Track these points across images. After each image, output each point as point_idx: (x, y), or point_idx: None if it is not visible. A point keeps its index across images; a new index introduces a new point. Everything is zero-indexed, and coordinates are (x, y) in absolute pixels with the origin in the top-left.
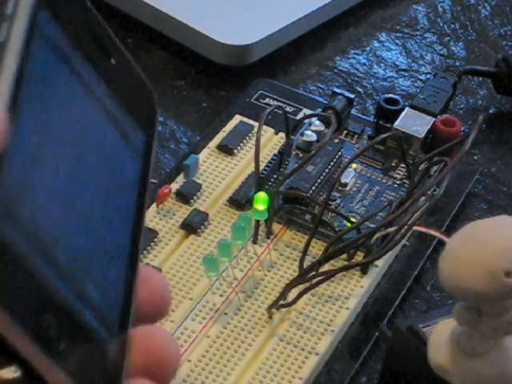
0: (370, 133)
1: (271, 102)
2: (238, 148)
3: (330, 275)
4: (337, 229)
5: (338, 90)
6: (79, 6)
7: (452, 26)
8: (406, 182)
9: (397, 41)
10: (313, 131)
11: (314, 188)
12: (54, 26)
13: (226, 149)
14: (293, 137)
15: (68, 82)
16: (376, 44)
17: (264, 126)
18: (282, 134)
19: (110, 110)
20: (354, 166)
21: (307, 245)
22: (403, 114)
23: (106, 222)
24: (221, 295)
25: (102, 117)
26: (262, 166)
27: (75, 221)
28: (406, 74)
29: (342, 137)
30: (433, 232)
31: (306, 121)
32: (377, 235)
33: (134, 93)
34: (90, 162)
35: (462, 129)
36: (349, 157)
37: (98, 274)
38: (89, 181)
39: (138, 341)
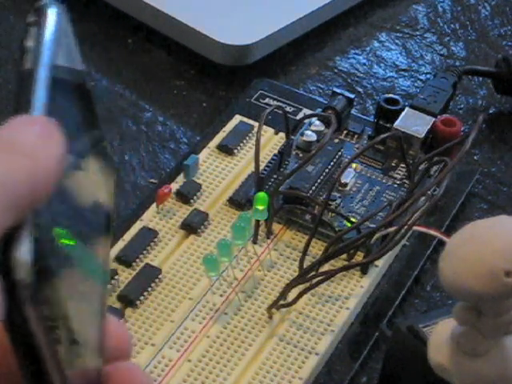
0: (370, 133)
1: (271, 101)
2: (238, 148)
3: (330, 275)
4: (337, 229)
5: (338, 90)
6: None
7: (452, 26)
8: (406, 182)
9: (397, 41)
10: (313, 131)
11: (314, 188)
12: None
13: (226, 149)
14: (293, 137)
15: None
16: (376, 44)
17: (264, 126)
18: (282, 134)
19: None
20: (353, 166)
21: (307, 245)
22: (403, 114)
23: None
24: (221, 295)
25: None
26: (262, 165)
27: None
28: (406, 73)
29: (342, 137)
30: (433, 232)
31: (306, 121)
32: (377, 235)
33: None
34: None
35: (462, 129)
36: (349, 157)
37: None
38: None
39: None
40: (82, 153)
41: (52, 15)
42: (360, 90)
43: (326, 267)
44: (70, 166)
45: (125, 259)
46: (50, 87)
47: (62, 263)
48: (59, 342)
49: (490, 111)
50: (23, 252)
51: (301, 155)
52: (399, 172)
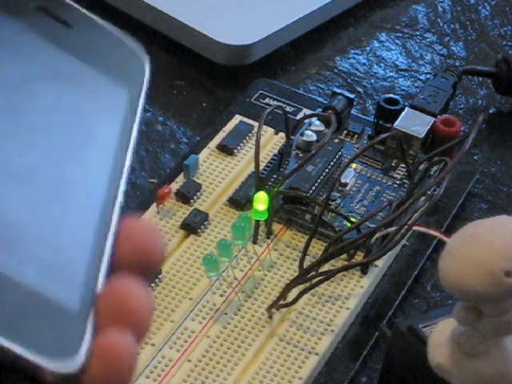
0: (369, 133)
1: (271, 101)
2: (238, 148)
3: (330, 275)
4: (337, 229)
5: (338, 90)
6: None
7: (452, 26)
8: (406, 181)
9: (397, 41)
10: (313, 131)
11: (314, 188)
12: None
13: (225, 149)
14: (293, 137)
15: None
16: (376, 44)
17: (264, 126)
18: (282, 134)
19: (71, 74)
20: (353, 166)
21: (307, 245)
22: (403, 114)
23: (70, 177)
24: (221, 295)
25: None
26: (262, 165)
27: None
28: (406, 73)
29: (341, 137)
30: (433, 232)
31: (306, 121)
32: (377, 235)
33: (110, 53)
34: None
35: (462, 129)
36: (349, 157)
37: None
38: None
39: (122, 231)
40: None
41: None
42: (360, 90)
43: (326, 267)
44: None
45: None
46: None
47: None
48: None
49: (490, 111)
50: None
51: (301, 155)
52: (399, 172)
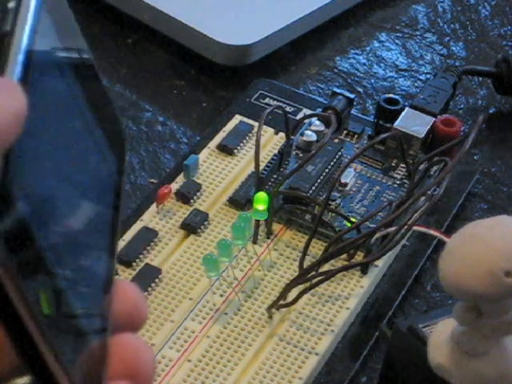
0: (369, 133)
1: (271, 101)
2: (238, 148)
3: (330, 275)
4: (337, 229)
5: (338, 90)
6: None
7: (452, 26)
8: (406, 181)
9: (397, 41)
10: (313, 131)
11: (314, 188)
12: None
13: (226, 149)
14: (293, 137)
15: (61, 86)
16: (376, 44)
17: (264, 126)
18: (282, 134)
19: (91, 126)
20: (353, 166)
21: (307, 245)
22: (403, 114)
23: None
24: (221, 295)
25: (85, 129)
26: (262, 165)
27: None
28: (406, 73)
29: (341, 137)
30: (433, 232)
31: (306, 121)
32: (377, 235)
33: (107, 120)
34: (69, 162)
35: (462, 129)
36: (349, 157)
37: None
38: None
39: (112, 349)
40: (88, 126)
41: None
42: (360, 90)
43: (326, 267)
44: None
45: (125, 259)
46: (34, 57)
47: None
48: (41, 310)
49: (490, 111)
50: None
51: (301, 155)
52: (399, 172)
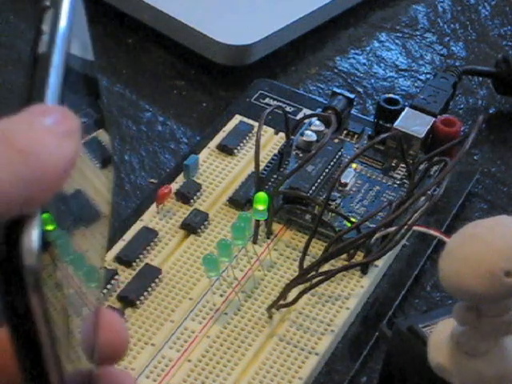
0: (370, 133)
1: (271, 101)
2: (238, 148)
3: (330, 275)
4: (337, 229)
5: (338, 90)
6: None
7: (452, 26)
8: (406, 181)
9: (397, 41)
10: (313, 131)
11: (314, 188)
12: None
13: (226, 149)
14: (293, 137)
15: None
16: (376, 44)
17: (264, 126)
18: (282, 134)
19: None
20: (353, 166)
21: (307, 245)
22: (403, 114)
23: None
24: (221, 295)
25: None
26: (262, 165)
27: None
28: (406, 73)
29: (341, 137)
30: (433, 232)
31: (306, 121)
32: (377, 235)
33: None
34: None
35: (462, 129)
36: (349, 157)
37: None
38: None
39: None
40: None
41: (67, 1)
42: (360, 90)
43: (326, 267)
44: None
45: (125, 259)
46: (64, 75)
47: (58, 253)
48: (57, 337)
49: (490, 111)
50: (32, 238)
51: (301, 155)
52: (399, 172)
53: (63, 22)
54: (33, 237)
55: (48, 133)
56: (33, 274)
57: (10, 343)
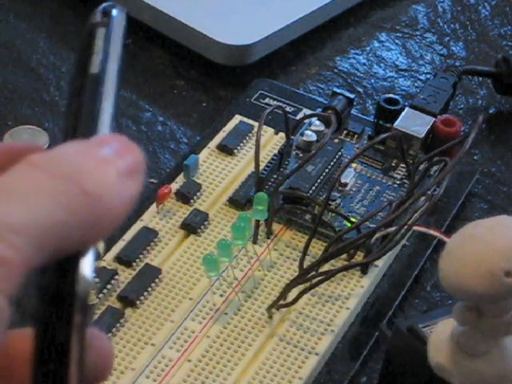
0: (370, 133)
1: (271, 101)
2: (238, 148)
3: (330, 275)
4: (337, 229)
5: (338, 90)
6: None
7: (452, 26)
8: (406, 181)
9: (397, 41)
10: (313, 131)
11: (314, 188)
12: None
13: (226, 149)
14: (293, 137)
15: None
16: (376, 44)
17: (264, 126)
18: (282, 134)
19: None
20: (353, 165)
21: (307, 245)
22: (403, 114)
23: None
24: (221, 295)
25: None
26: (262, 166)
27: None
28: (406, 73)
29: (341, 137)
30: (433, 232)
31: (306, 121)
32: (377, 235)
33: None
34: None
35: (462, 129)
36: (349, 157)
37: None
38: None
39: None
40: None
41: (119, 18)
42: (360, 90)
43: (326, 267)
44: None
45: (125, 259)
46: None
47: None
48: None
49: (490, 111)
50: (88, 270)
51: (301, 155)
52: (399, 172)
53: (117, 44)
54: (87, 268)
55: (115, 173)
56: (83, 300)
57: (34, 353)
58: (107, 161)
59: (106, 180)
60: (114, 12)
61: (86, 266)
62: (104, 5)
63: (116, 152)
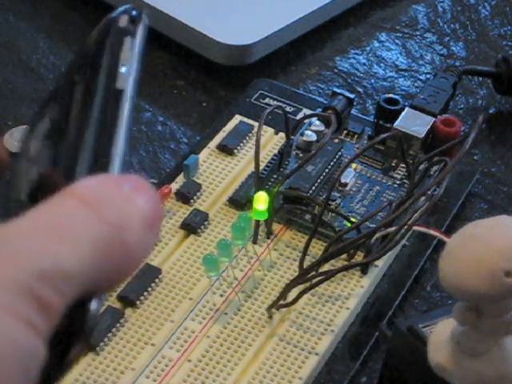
0: (370, 133)
1: (271, 101)
2: (238, 148)
3: (330, 275)
4: (337, 229)
5: (338, 90)
6: None
7: (452, 26)
8: (406, 181)
9: (397, 41)
10: (313, 131)
11: (313, 188)
12: None
13: (226, 149)
14: (293, 137)
15: None
16: (376, 44)
17: (264, 126)
18: (282, 134)
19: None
20: (353, 166)
21: (307, 245)
22: (403, 114)
23: None
24: (221, 295)
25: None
26: (261, 165)
27: None
28: (406, 73)
29: (341, 137)
30: (433, 232)
31: (306, 121)
32: (377, 235)
33: None
34: None
35: (462, 129)
36: (349, 157)
37: None
38: None
39: None
40: None
41: (145, 29)
42: (360, 90)
43: (326, 267)
44: None
45: None
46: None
47: None
48: None
49: (490, 111)
50: (95, 307)
51: (301, 155)
52: (399, 172)
53: (139, 57)
54: (96, 306)
55: (147, 226)
56: (89, 332)
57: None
58: (145, 217)
59: (141, 232)
60: (142, 22)
61: (94, 303)
62: (130, 9)
63: (151, 207)
